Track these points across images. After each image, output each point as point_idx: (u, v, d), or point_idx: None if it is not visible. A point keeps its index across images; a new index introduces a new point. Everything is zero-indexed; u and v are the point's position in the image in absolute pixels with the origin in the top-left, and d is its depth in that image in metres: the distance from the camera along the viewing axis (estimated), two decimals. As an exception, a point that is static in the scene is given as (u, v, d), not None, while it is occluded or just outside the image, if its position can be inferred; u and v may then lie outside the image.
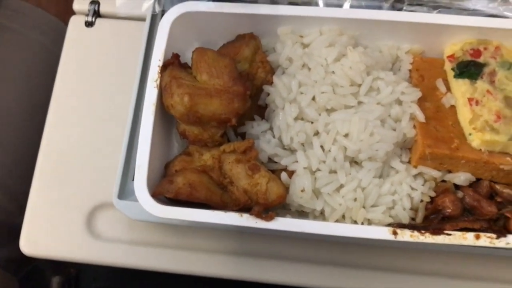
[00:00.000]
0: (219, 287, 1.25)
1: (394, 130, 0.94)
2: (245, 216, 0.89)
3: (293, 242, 1.05)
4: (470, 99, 0.94)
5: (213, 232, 1.05)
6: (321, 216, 0.94)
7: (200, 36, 1.06)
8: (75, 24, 1.22)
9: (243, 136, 1.00)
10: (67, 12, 1.24)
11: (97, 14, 1.22)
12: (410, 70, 1.03)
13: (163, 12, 1.07)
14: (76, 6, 1.23)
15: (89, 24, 1.22)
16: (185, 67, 0.99)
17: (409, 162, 0.96)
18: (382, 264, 1.03)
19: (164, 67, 0.97)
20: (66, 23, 1.22)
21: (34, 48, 1.39)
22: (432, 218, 0.91)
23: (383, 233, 0.87)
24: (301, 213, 0.96)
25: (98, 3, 1.22)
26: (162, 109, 0.97)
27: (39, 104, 1.21)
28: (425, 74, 1.02)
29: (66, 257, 1.07)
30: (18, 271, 1.38)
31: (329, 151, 0.93)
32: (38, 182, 1.10)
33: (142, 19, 1.16)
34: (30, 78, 1.35)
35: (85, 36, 1.21)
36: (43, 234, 1.07)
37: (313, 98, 0.96)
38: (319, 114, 0.95)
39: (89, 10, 1.22)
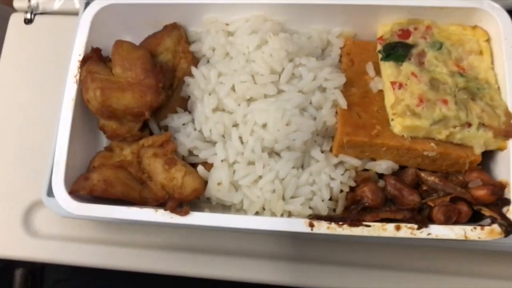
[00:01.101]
0: (164, 282, 1.25)
1: (315, 118, 0.91)
2: (160, 211, 0.88)
3: (226, 234, 1.04)
4: (393, 83, 0.90)
5: (144, 227, 1.05)
6: (242, 209, 0.92)
7: (127, 28, 1.04)
8: (15, 21, 1.22)
9: (166, 129, 0.98)
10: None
11: (36, 11, 1.22)
12: (340, 55, 1.00)
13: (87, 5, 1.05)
14: (16, 4, 1.23)
15: (28, 21, 1.21)
16: (105, 61, 0.98)
17: (331, 150, 0.93)
18: (321, 256, 1.01)
19: (84, 62, 0.96)
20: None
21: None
22: (352, 209, 0.88)
23: (299, 226, 0.85)
24: (224, 206, 0.94)
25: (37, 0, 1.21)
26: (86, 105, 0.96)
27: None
28: (355, 58, 0.98)
29: (3, 255, 1.08)
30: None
31: (247, 142, 0.91)
32: (-24, 182, 1.12)
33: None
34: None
35: (24, 33, 1.21)
36: (-19, 232, 1.09)
37: (233, 88, 0.94)
38: (239, 105, 0.93)
39: (28, 7, 1.21)
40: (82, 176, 0.92)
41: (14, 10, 1.24)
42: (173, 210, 0.87)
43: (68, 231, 1.07)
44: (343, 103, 0.91)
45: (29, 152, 1.12)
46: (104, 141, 1.02)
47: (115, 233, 1.06)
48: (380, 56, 0.95)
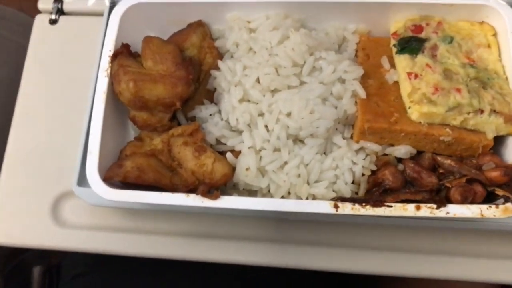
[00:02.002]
0: (190, 270, 1.28)
1: (336, 107, 0.96)
2: (192, 196, 0.91)
3: (251, 221, 1.08)
4: (409, 73, 0.96)
5: (173, 215, 1.09)
6: (269, 194, 0.96)
7: (153, 26, 1.09)
8: (40, 22, 1.27)
9: (193, 120, 1.02)
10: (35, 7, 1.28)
11: (60, 11, 1.27)
12: (356, 50, 1.05)
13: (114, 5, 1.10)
14: (40, 5, 1.27)
15: (53, 22, 1.26)
16: (135, 56, 1.03)
17: (352, 138, 0.97)
18: (340, 240, 1.05)
19: (114, 57, 1.01)
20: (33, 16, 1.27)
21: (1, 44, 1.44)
22: (374, 191, 0.92)
23: (325, 207, 0.89)
24: (250, 192, 0.98)
25: (61, 1, 1.26)
26: (116, 98, 1.01)
27: (6, 98, 1.26)
28: (370, 52, 1.03)
29: (33, 244, 1.11)
30: (3, 268, 1.43)
31: (273, 130, 0.95)
32: (6, 174, 1.15)
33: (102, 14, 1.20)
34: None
35: (49, 34, 1.25)
36: (11, 224, 1.12)
37: (257, 80, 0.98)
38: (263, 95, 0.97)
39: (52, 8, 1.26)
40: (115, 164, 0.95)
41: (34, 14, 1.28)
42: (204, 194, 0.90)
43: (96, 220, 1.10)
44: (362, 93, 0.95)
45: (56, 148, 1.16)
46: (132, 134, 1.06)
47: (141, 221, 1.09)
48: (394, 50, 1.01)
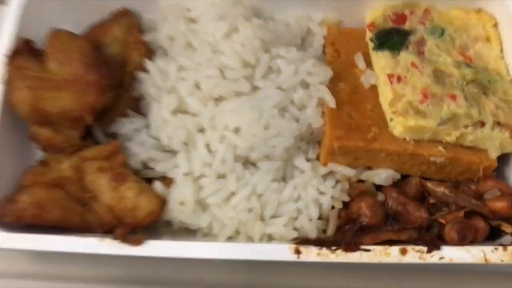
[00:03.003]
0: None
1: (297, 120, 0.80)
2: (107, 241, 0.74)
3: (193, 264, 0.87)
4: (390, 76, 0.80)
5: (88, 258, 0.87)
6: (212, 234, 0.79)
7: (68, 16, 0.91)
8: None
9: (115, 137, 0.84)
10: None
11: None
12: (324, 45, 0.90)
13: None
14: None
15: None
16: (40, 55, 0.82)
17: (318, 159, 0.81)
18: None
19: (13, 57, 0.81)
20: None
21: None
22: (347, 230, 0.76)
23: (283, 253, 0.73)
24: (189, 231, 0.81)
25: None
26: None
27: None
28: (342, 48, 0.89)
29: None
30: None
31: (216, 151, 0.79)
32: None
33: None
34: None
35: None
36: None
37: (197, 85, 0.81)
38: (204, 105, 0.81)
39: (-51, -6, 1.04)
40: (7, 198, 0.76)
41: None
42: (123, 239, 0.74)
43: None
44: (330, 101, 0.81)
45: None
46: (38, 154, 0.86)
47: (51, 266, 0.88)
48: (371, 45, 0.86)
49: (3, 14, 0.93)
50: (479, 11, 0.87)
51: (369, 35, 0.86)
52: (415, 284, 0.86)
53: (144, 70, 0.85)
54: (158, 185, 0.78)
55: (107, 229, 0.77)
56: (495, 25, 0.86)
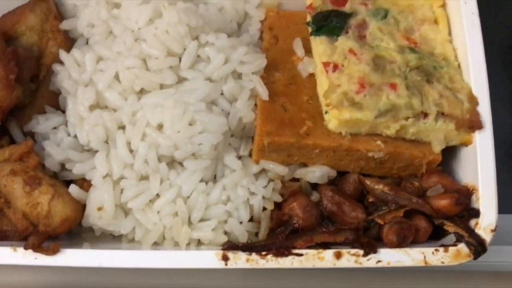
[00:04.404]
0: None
1: (228, 114, 0.74)
2: (20, 250, 0.69)
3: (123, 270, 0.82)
4: (326, 64, 0.74)
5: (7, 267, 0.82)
6: (136, 241, 0.74)
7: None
8: None
9: (32, 136, 0.77)
10: None
11: None
12: (261, 30, 0.84)
13: None
14: None
15: None
16: None
17: (251, 156, 0.75)
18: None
19: None
20: None
21: None
22: (278, 232, 0.71)
23: (209, 260, 0.68)
24: (114, 237, 0.75)
25: None
26: None
27: None
28: (280, 33, 0.83)
29: None
30: None
31: (137, 150, 0.73)
32: None
33: None
34: None
35: None
36: None
37: (117, 77, 0.75)
38: (125, 99, 0.75)
39: None
40: None
41: None
42: (37, 248, 0.69)
43: None
44: (263, 93, 0.76)
45: None
46: None
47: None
48: (310, 29, 0.79)
49: None
50: None
51: (308, 18, 0.79)
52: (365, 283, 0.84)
53: (60, 62, 0.77)
54: (74, 189, 0.72)
55: (24, 236, 0.72)
56: (443, 6, 0.80)
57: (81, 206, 0.72)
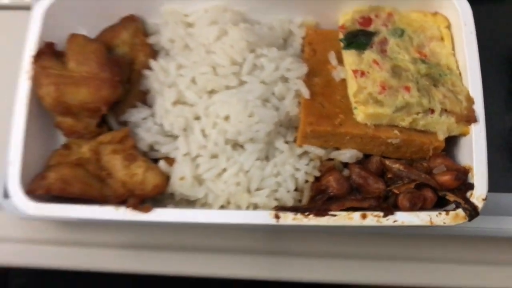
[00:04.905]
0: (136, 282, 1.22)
1: (277, 109, 0.90)
2: (121, 209, 0.86)
3: (194, 230, 1.02)
4: (355, 71, 0.89)
5: (106, 226, 1.02)
6: (207, 203, 0.90)
7: (83, 21, 1.00)
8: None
9: (125, 124, 0.95)
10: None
11: (-14, 5, 1.17)
12: (303, 45, 0.99)
13: (38, -1, 1.01)
14: (-36, -2, 1.17)
15: (-22, 16, 1.16)
16: (60, 55, 0.94)
17: (295, 141, 0.91)
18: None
19: (37, 57, 0.92)
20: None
21: None
22: (318, 199, 0.87)
23: (265, 218, 0.84)
24: (189, 202, 0.92)
25: (-10, -7, 1.17)
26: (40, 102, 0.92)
27: None
28: (318, 47, 0.97)
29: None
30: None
31: (210, 135, 0.89)
32: None
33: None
34: None
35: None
36: None
37: (193, 81, 0.91)
38: (200, 97, 0.91)
39: (-23, 2, 1.16)
40: (38, 175, 0.88)
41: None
42: (135, 207, 0.85)
43: (27, 233, 1.03)
44: (305, 93, 0.89)
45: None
46: (61, 139, 0.97)
47: (75, 233, 1.02)
48: (342, 44, 0.94)
49: (27, 19, 1.05)
50: (435, 14, 0.95)
51: (340, 36, 0.94)
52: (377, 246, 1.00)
53: (149, 68, 0.94)
54: (162, 164, 0.89)
55: (120, 201, 0.88)
56: (448, 26, 0.93)
57: (167, 177, 0.89)
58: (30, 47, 0.93)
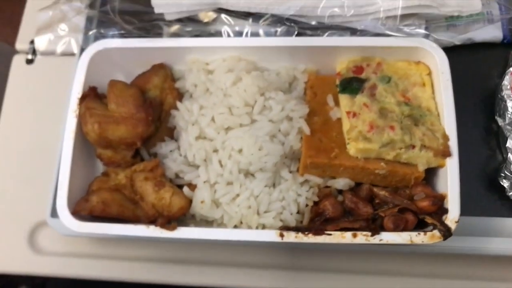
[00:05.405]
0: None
1: (283, 144, 1.04)
2: (151, 227, 1.00)
3: (211, 247, 1.17)
4: (348, 112, 1.04)
5: (137, 242, 1.18)
6: (223, 224, 1.04)
7: (119, 68, 1.18)
8: (18, 62, 1.36)
9: (155, 155, 1.10)
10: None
11: (37, 52, 1.35)
12: (305, 88, 1.13)
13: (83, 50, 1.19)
14: (18, 46, 1.37)
15: (29, 62, 1.35)
16: (101, 97, 1.12)
17: (298, 171, 1.05)
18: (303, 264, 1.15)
19: (82, 99, 1.10)
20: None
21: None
22: (316, 220, 1.00)
23: (272, 236, 0.97)
24: (207, 222, 1.06)
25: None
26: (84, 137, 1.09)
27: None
28: (318, 90, 1.11)
29: (11, 271, 1.20)
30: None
31: (226, 165, 1.00)
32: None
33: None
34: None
35: (26, 73, 1.34)
36: (-12, 251, 1.21)
37: (213, 119, 1.06)
38: (218, 133, 1.02)
39: (29, 49, 1.35)
40: (82, 198, 1.04)
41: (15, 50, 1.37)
42: (163, 226, 0.97)
43: (69, 248, 1.19)
44: (306, 130, 1.01)
45: (33, 179, 1.25)
46: (101, 168, 1.14)
47: (111, 249, 1.18)
48: (338, 89, 1.09)
49: (72, 65, 1.21)
50: (418, 63, 1.07)
51: (337, 81, 1.08)
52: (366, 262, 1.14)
53: (176, 108, 1.09)
54: (186, 189, 1.03)
55: (150, 221, 0.99)
56: (429, 74, 1.05)
57: (189, 201, 1.02)
58: (77, 89, 1.10)
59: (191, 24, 1.22)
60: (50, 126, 1.27)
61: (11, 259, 1.19)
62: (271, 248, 1.14)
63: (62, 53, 1.32)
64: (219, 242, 1.08)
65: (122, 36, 1.19)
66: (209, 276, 1.15)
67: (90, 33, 1.22)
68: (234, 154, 1.00)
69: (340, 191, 1.02)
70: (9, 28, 1.68)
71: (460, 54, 1.17)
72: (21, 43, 1.36)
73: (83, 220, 1.01)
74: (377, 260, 1.13)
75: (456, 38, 1.16)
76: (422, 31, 1.15)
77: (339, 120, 1.07)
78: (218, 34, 1.22)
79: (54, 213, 1.12)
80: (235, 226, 1.01)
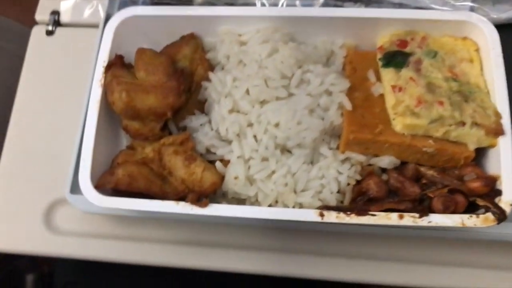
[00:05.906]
0: (183, 277, 1.31)
1: (322, 118, 0.99)
2: (181, 204, 0.94)
3: (243, 229, 1.11)
4: (393, 86, 0.98)
5: (165, 222, 1.11)
6: (257, 202, 0.99)
7: (147, 38, 1.12)
8: (37, 33, 1.30)
9: (184, 129, 1.04)
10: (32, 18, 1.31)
11: (57, 23, 1.30)
12: (344, 63, 1.08)
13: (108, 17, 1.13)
14: (38, 17, 1.31)
15: (49, 33, 1.29)
16: (128, 67, 1.06)
17: (338, 148, 1.00)
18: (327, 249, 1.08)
19: (108, 68, 1.04)
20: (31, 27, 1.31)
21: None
22: (358, 200, 0.95)
23: (310, 215, 0.91)
24: (239, 200, 1.00)
25: (58, 13, 1.30)
26: (109, 108, 1.04)
27: (3, 105, 1.28)
28: (357, 66, 1.06)
29: (26, 251, 1.13)
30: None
31: (261, 140, 0.98)
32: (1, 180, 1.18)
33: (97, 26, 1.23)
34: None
35: (46, 44, 1.29)
36: (3, 230, 1.14)
37: (247, 92, 1.01)
38: (252, 106, 1.00)
39: (49, 20, 1.29)
40: (107, 171, 0.98)
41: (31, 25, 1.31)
42: (194, 202, 0.93)
43: (87, 227, 1.13)
44: (348, 105, 0.97)
45: (50, 155, 1.19)
46: (124, 143, 1.08)
47: (133, 229, 1.11)
48: (380, 63, 1.04)
49: (94, 36, 1.17)
50: (464, 38, 1.04)
51: (378, 56, 1.04)
52: (399, 249, 1.07)
53: (208, 80, 1.04)
54: (218, 164, 0.97)
55: (179, 197, 0.95)
56: (477, 50, 1.02)
57: (222, 177, 0.97)
58: (103, 57, 1.05)
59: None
60: (71, 100, 1.21)
61: (25, 239, 1.13)
62: (309, 232, 1.07)
63: (85, 24, 1.26)
64: (253, 222, 1.01)
65: (152, 2, 1.13)
66: (236, 260, 1.09)
67: (117, -2, 1.14)
68: (270, 128, 0.96)
69: (383, 170, 0.97)
70: (19, 7, 1.63)
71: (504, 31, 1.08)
72: (41, 14, 1.30)
73: (106, 195, 0.96)
74: (420, 246, 1.06)
75: (506, 13, 1.09)
76: (469, 3, 1.11)
77: (381, 96, 1.02)
78: (251, 3, 1.16)
79: (74, 189, 1.06)
80: (270, 205, 0.96)
